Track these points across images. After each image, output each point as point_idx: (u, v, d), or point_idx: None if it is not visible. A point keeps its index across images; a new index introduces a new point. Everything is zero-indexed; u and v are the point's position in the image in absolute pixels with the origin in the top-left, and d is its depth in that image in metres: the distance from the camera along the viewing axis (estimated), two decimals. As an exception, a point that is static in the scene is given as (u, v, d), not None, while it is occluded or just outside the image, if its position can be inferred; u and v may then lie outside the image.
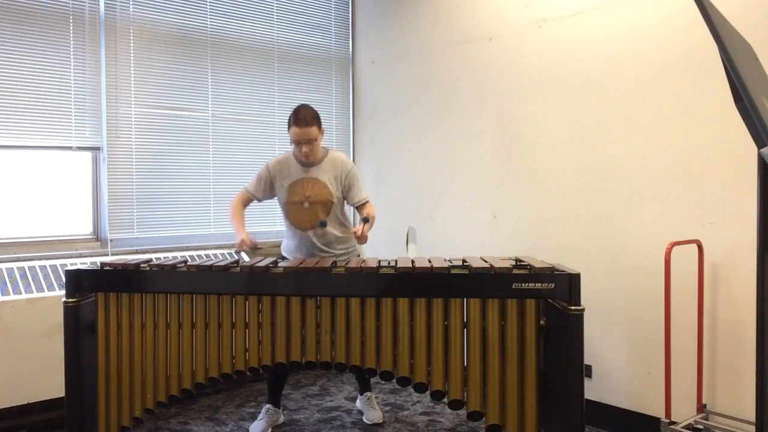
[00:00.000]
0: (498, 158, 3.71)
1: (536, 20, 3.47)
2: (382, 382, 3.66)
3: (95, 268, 2.58)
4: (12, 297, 3.03)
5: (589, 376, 3.23)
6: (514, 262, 2.40)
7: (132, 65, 3.68)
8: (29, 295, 3.07)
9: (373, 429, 3.23)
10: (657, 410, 2.94)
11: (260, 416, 3.20)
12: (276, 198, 3.18)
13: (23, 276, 3.15)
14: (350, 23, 4.71)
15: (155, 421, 3.30)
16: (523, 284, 2.25)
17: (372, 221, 2.99)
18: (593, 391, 3.22)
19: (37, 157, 3.42)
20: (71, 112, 3.48)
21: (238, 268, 2.48)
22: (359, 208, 3.10)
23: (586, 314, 2.20)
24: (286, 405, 3.55)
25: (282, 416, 3.31)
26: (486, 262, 2.42)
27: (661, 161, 2.97)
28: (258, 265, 2.47)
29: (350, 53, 4.72)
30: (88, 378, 2.51)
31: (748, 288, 2.68)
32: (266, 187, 3.14)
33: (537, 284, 2.24)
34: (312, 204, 3.03)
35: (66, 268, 2.54)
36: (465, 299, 2.32)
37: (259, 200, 3.20)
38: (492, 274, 2.29)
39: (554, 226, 3.42)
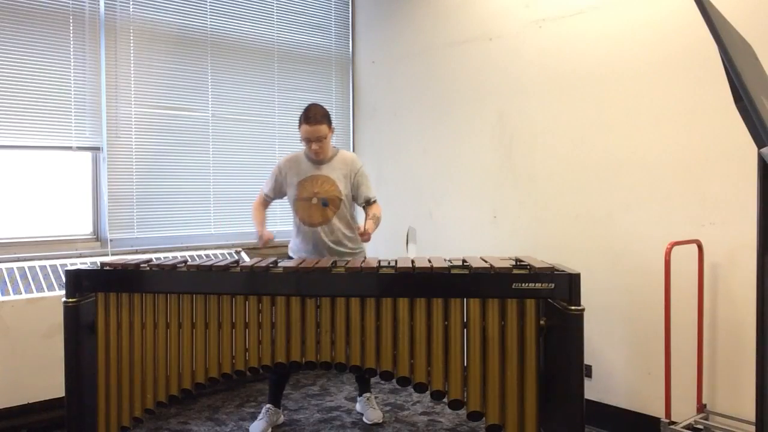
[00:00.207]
0: (498, 158, 3.71)
1: (536, 20, 3.47)
2: (382, 382, 3.66)
3: (95, 268, 2.58)
4: (12, 297, 3.02)
5: (589, 376, 3.23)
6: (514, 262, 2.40)
7: (132, 65, 3.68)
8: (29, 295, 3.07)
9: (373, 429, 3.23)
10: (657, 410, 2.94)
11: (260, 416, 3.20)
12: (287, 197, 3.21)
13: (23, 276, 3.15)
14: (350, 23, 4.71)
15: (155, 421, 3.30)
16: (523, 284, 2.25)
17: (378, 221, 3.02)
18: (593, 391, 3.22)
19: (37, 157, 3.42)
20: (71, 112, 3.48)
21: (238, 268, 2.48)
22: (366, 207, 3.12)
23: (586, 314, 2.20)
24: (286, 405, 3.55)
25: (282, 416, 3.31)
26: (486, 262, 2.42)
27: (661, 161, 2.97)
28: (258, 265, 2.47)
29: (350, 53, 4.72)
30: (88, 378, 2.51)
31: (748, 288, 2.68)
32: (278, 186, 3.18)
33: (537, 284, 2.24)
34: (320, 201, 3.06)
35: (66, 268, 2.54)
36: (465, 299, 2.32)
37: (272, 199, 3.24)
38: (492, 274, 2.29)
39: (554, 226, 3.42)
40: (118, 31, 3.62)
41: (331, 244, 3.09)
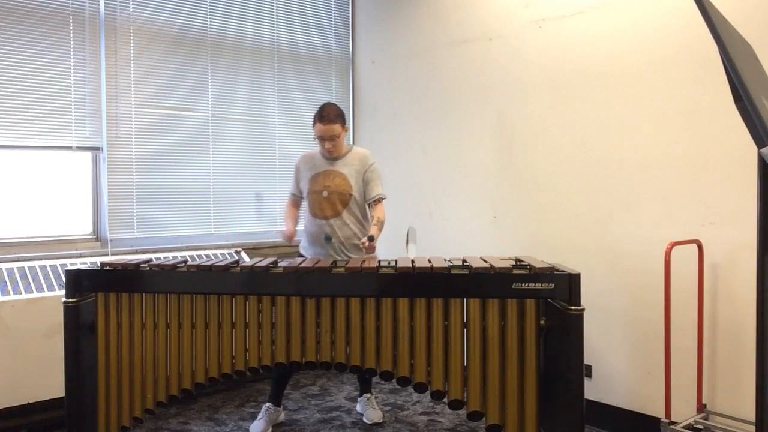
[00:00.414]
0: (498, 158, 3.71)
1: (536, 20, 3.47)
2: (382, 382, 3.66)
3: (95, 268, 2.58)
4: (12, 297, 3.02)
5: (589, 376, 3.23)
6: (514, 262, 2.40)
7: (132, 65, 3.68)
8: (29, 295, 3.07)
9: (373, 429, 3.23)
10: (657, 410, 2.94)
11: (260, 416, 3.20)
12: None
13: (23, 276, 3.15)
14: (350, 23, 4.71)
15: (155, 421, 3.30)
16: (523, 284, 2.25)
17: (382, 226, 3.07)
18: (593, 391, 3.22)
19: (37, 157, 3.42)
20: (71, 112, 3.48)
21: (238, 268, 2.48)
22: (372, 205, 3.16)
23: (586, 314, 2.20)
24: (286, 405, 3.55)
25: (282, 414, 3.31)
26: (486, 262, 2.42)
27: (661, 161, 2.97)
28: (258, 265, 2.47)
29: (350, 53, 4.72)
30: (88, 378, 2.51)
31: (748, 288, 2.68)
32: (300, 182, 3.26)
33: (537, 284, 2.24)
34: (331, 194, 3.11)
35: (66, 268, 2.54)
36: (465, 299, 2.32)
37: (300, 197, 3.28)
38: (492, 274, 2.29)
39: (554, 226, 3.42)
40: (118, 31, 3.62)
41: (342, 237, 3.12)
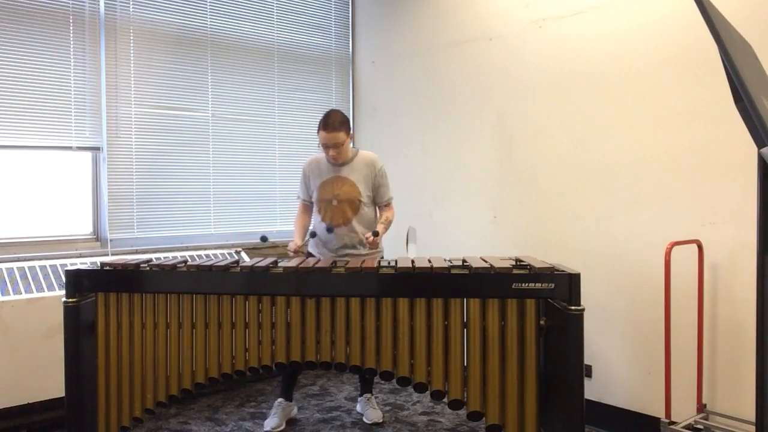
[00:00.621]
0: (498, 158, 3.71)
1: (536, 20, 3.47)
2: (382, 382, 3.66)
3: (95, 268, 2.58)
4: (12, 297, 3.02)
5: (589, 376, 3.23)
6: (514, 262, 2.40)
7: (132, 65, 3.68)
8: (29, 295, 3.07)
9: (373, 429, 3.23)
10: (657, 410, 2.94)
11: (272, 412, 3.23)
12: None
13: (23, 276, 3.15)
14: (350, 23, 4.71)
15: (155, 421, 3.30)
16: (523, 284, 2.25)
17: (389, 224, 3.19)
18: (593, 391, 3.22)
19: (37, 157, 3.42)
20: (71, 112, 3.48)
21: (238, 268, 2.48)
22: (382, 207, 3.25)
23: (586, 314, 2.20)
24: (286, 405, 3.55)
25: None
26: (486, 262, 2.42)
27: (661, 161, 2.97)
28: (258, 265, 2.47)
29: (350, 53, 4.72)
30: (88, 378, 2.51)
31: (748, 288, 2.68)
32: (307, 188, 3.27)
33: (537, 284, 2.24)
34: (340, 202, 3.13)
35: (66, 268, 2.54)
36: (465, 299, 2.32)
37: (310, 201, 3.30)
38: (492, 274, 2.29)
39: (554, 226, 3.42)
40: (118, 31, 3.62)
41: (351, 242, 3.16)
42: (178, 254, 3.70)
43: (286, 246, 3.16)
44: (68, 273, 2.49)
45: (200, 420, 3.34)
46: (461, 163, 3.94)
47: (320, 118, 3.09)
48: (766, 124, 1.21)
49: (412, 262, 2.45)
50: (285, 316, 2.46)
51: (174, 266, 2.51)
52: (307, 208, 3.32)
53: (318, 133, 3.08)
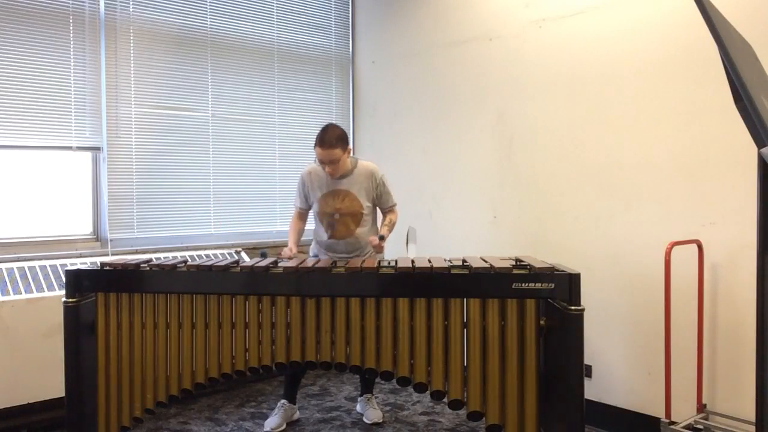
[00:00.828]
0: (498, 158, 3.71)
1: (536, 20, 3.47)
2: (382, 382, 3.66)
3: (95, 268, 2.58)
4: (12, 297, 3.02)
5: (589, 376, 3.23)
6: (514, 262, 2.40)
7: (132, 65, 3.68)
8: (29, 295, 3.07)
9: (373, 429, 3.23)
10: (657, 410, 2.94)
11: (275, 411, 3.25)
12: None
13: (23, 276, 3.15)
14: (350, 23, 4.71)
15: (155, 421, 3.30)
16: (523, 284, 2.25)
17: (393, 227, 3.22)
18: (593, 391, 3.22)
19: (37, 157, 3.42)
20: (71, 112, 3.48)
21: (238, 268, 2.48)
22: (384, 212, 3.28)
23: (586, 314, 2.20)
24: (286, 405, 3.55)
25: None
26: (486, 262, 2.42)
27: (661, 161, 2.97)
28: (258, 265, 2.47)
29: (350, 53, 4.72)
30: (88, 378, 2.51)
31: (748, 288, 2.68)
32: (305, 197, 3.26)
33: (537, 284, 2.24)
34: (343, 215, 3.12)
35: (66, 268, 2.54)
36: (465, 299, 2.32)
37: (306, 210, 3.30)
38: (492, 274, 2.29)
39: (554, 226, 3.42)
40: (118, 31, 3.62)
41: (352, 252, 3.18)
42: (178, 254, 3.70)
43: (280, 253, 3.11)
44: (68, 273, 2.49)
45: (200, 420, 3.34)
46: (461, 164, 3.94)
47: (318, 130, 3.04)
48: (766, 124, 1.21)
49: (412, 262, 2.45)
50: (285, 316, 2.46)
51: (174, 266, 2.51)
52: (302, 216, 3.31)
53: (314, 148, 3.04)
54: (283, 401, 3.27)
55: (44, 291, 3.13)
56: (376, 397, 3.55)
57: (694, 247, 2.79)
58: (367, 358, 2.40)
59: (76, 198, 3.58)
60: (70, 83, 3.47)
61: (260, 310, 2.49)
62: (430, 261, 2.50)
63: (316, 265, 2.45)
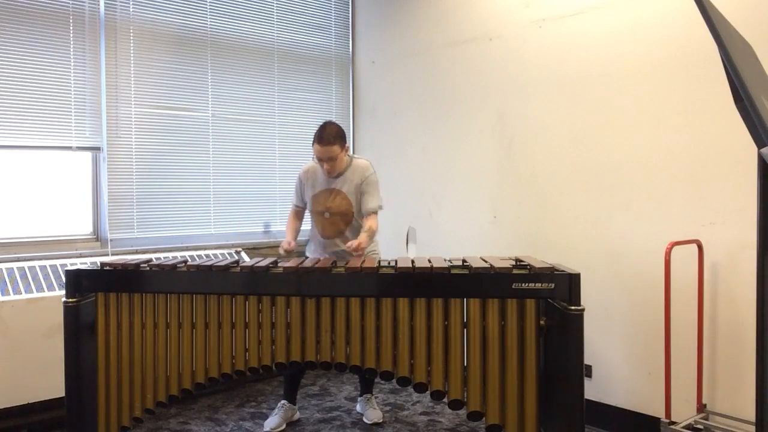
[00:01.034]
0: (498, 158, 3.71)
1: (536, 20, 3.47)
2: (382, 382, 3.66)
3: (95, 268, 2.58)
4: (12, 297, 3.02)
5: (589, 376, 3.23)
6: (514, 262, 2.40)
7: (132, 65, 3.68)
8: (29, 295, 3.07)
9: (373, 429, 3.23)
10: (657, 410, 2.94)
11: (275, 411, 3.25)
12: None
13: (23, 276, 3.15)
14: (350, 23, 4.71)
15: (155, 421, 3.30)
16: (523, 284, 2.25)
17: (372, 235, 3.03)
18: (593, 391, 3.22)
19: (37, 157, 3.42)
20: (71, 112, 3.48)
21: (238, 268, 2.48)
22: (365, 217, 3.08)
23: (586, 314, 2.20)
24: (286, 405, 3.55)
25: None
26: (486, 262, 2.42)
27: (661, 161, 2.97)
28: (258, 265, 2.47)
29: (350, 53, 4.72)
30: (88, 378, 2.51)
31: (748, 288, 2.68)
32: (301, 195, 3.26)
33: (537, 284, 2.24)
34: (332, 215, 3.11)
35: (66, 268, 2.54)
36: (465, 299, 2.32)
37: (303, 208, 3.31)
38: (492, 274, 2.29)
39: (554, 226, 3.42)
40: (118, 31, 3.62)
41: (347, 250, 3.09)
42: (178, 254, 3.70)
43: (281, 248, 3.08)
44: (68, 273, 2.49)
45: (200, 420, 3.34)
46: (461, 163, 3.94)
47: (316, 129, 3.03)
48: (766, 124, 1.21)
49: (412, 262, 2.45)
50: (285, 316, 2.46)
51: (174, 266, 2.51)
52: (298, 214, 3.32)
53: (313, 145, 3.04)
54: (283, 401, 3.28)
55: (44, 291, 3.13)
56: (376, 397, 3.55)
57: (694, 247, 2.79)
58: (367, 358, 2.40)
59: (76, 198, 3.58)
60: (70, 83, 3.47)
61: (260, 310, 2.49)
62: (430, 261, 2.50)
63: (316, 265, 2.45)
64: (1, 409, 2.95)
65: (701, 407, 2.79)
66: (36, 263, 3.24)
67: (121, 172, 3.66)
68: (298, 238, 3.27)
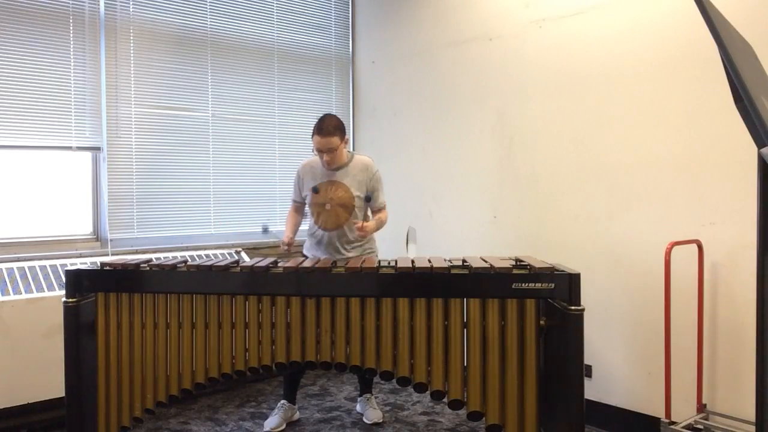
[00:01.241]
0: (498, 158, 3.71)
1: (536, 20, 3.47)
2: (382, 382, 3.66)
3: (95, 268, 2.58)
4: (12, 297, 3.02)
5: (589, 376, 3.23)
6: (514, 262, 2.40)
7: (132, 65, 3.68)
8: (29, 295, 3.07)
9: (373, 429, 3.23)
10: (657, 410, 2.94)
11: (275, 411, 3.25)
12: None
13: (23, 276, 3.15)
14: (350, 23, 4.71)
15: (155, 421, 3.30)
16: (523, 284, 2.25)
17: (381, 225, 3.21)
18: (593, 391, 3.22)
19: (37, 157, 3.42)
20: (71, 112, 3.48)
21: (238, 268, 2.48)
22: (374, 212, 3.25)
23: (586, 314, 2.20)
24: (286, 405, 3.55)
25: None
26: (486, 262, 2.42)
27: (661, 161, 2.97)
28: (258, 265, 2.47)
29: (350, 53, 4.72)
30: (88, 378, 2.51)
31: (748, 288, 2.68)
32: (301, 190, 3.27)
33: (537, 284, 2.24)
34: (333, 206, 3.12)
35: (66, 268, 2.54)
36: (465, 299, 2.32)
37: (302, 203, 3.32)
38: (492, 274, 2.29)
39: (554, 226, 3.42)
40: (118, 31, 3.62)
41: (344, 245, 3.17)
42: (178, 254, 3.70)
43: (281, 243, 3.15)
44: (68, 273, 2.49)
45: (200, 420, 3.34)
46: (461, 163, 3.94)
47: (315, 122, 3.08)
48: (766, 124, 1.21)
49: (412, 262, 2.45)
50: (285, 316, 2.46)
51: (174, 266, 2.51)
52: (298, 209, 3.34)
53: (312, 137, 3.07)
54: (282, 401, 3.28)
55: (44, 291, 3.13)
56: (376, 397, 3.55)
57: (694, 247, 2.79)
58: (367, 358, 2.40)
59: (76, 198, 3.58)
60: (70, 83, 3.47)
61: (260, 310, 2.49)
62: (430, 261, 2.50)
63: (316, 265, 2.45)
64: (1, 409, 2.95)
65: (701, 407, 2.79)
66: (36, 263, 3.24)
67: (121, 172, 3.66)
68: (297, 239, 3.28)
